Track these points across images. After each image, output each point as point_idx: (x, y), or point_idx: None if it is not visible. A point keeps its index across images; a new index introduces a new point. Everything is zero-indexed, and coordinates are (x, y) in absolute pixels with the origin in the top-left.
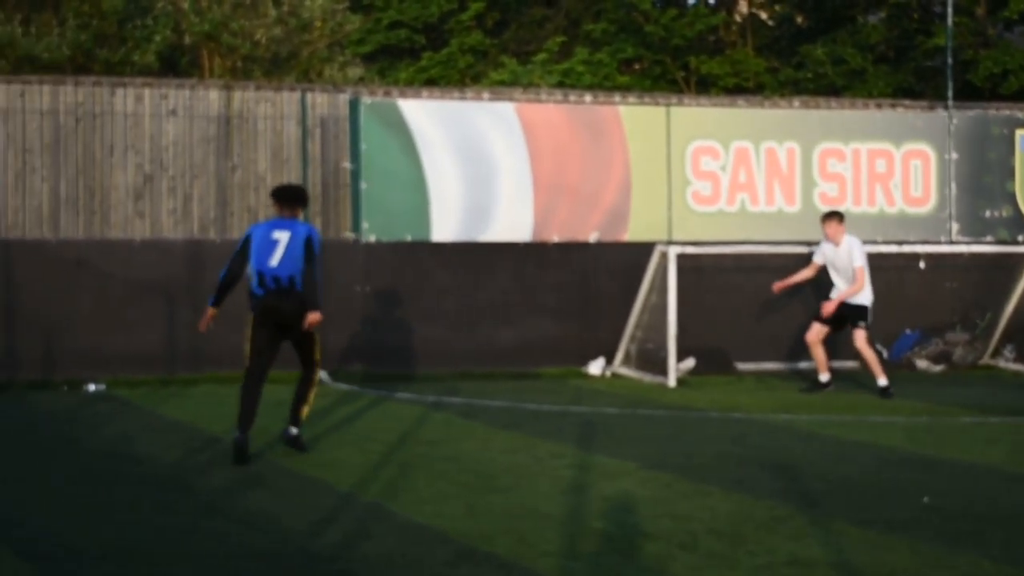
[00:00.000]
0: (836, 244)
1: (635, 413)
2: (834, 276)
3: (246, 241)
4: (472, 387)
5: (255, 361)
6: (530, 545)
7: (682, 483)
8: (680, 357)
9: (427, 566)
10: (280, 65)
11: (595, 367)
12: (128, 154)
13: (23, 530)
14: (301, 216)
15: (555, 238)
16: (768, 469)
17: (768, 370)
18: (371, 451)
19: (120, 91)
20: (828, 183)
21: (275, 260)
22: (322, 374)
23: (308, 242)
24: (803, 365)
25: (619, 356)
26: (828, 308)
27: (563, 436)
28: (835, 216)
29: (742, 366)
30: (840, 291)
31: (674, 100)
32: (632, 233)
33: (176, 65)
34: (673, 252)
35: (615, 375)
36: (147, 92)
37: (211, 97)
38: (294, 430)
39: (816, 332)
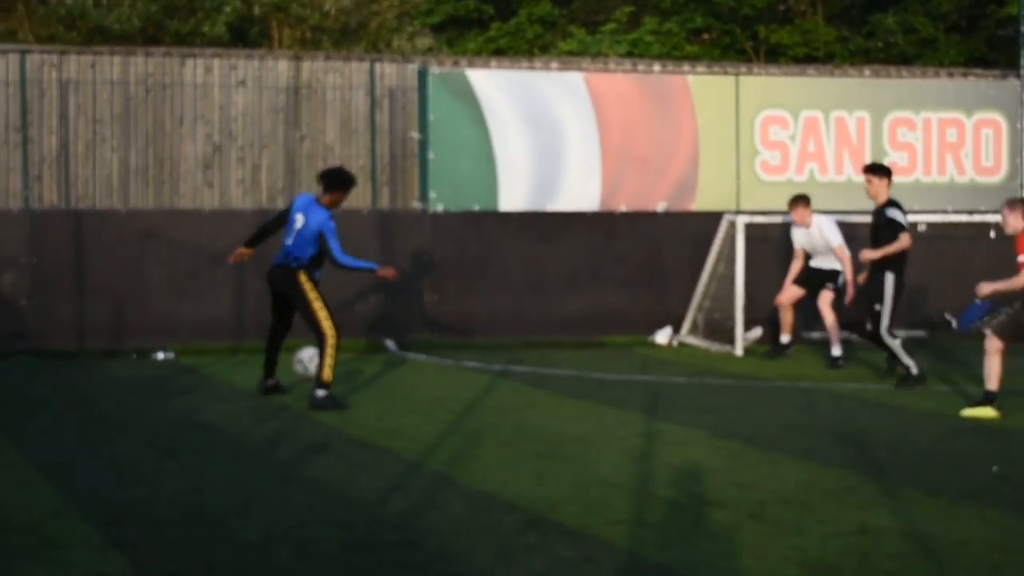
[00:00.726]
0: (807, 227)
1: (702, 382)
2: (815, 259)
3: (288, 209)
4: (539, 356)
5: (271, 322)
6: (598, 513)
7: (750, 452)
8: (747, 327)
9: (495, 534)
10: (349, 35)
11: (662, 336)
12: (197, 124)
13: (93, 496)
14: (343, 198)
15: (623, 208)
16: (836, 438)
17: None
18: (438, 419)
19: (190, 62)
20: (898, 152)
21: (290, 239)
22: (389, 343)
23: (320, 233)
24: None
25: (686, 325)
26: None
27: (630, 404)
28: (799, 200)
29: (809, 335)
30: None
31: (743, 69)
32: (700, 203)
33: (245, 36)
34: (741, 222)
35: (682, 344)
36: (216, 63)
37: (280, 68)
38: (318, 392)
39: (789, 294)
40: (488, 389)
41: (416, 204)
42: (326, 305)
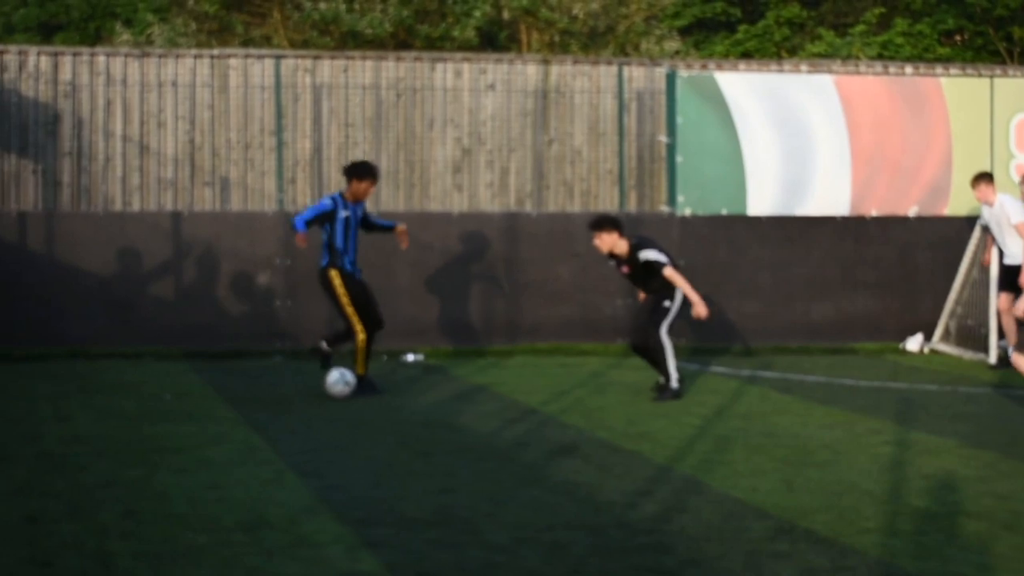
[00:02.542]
0: (990, 205)
1: (955, 390)
2: (999, 238)
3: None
4: (787, 361)
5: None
6: (849, 522)
7: (1005, 462)
8: (1001, 334)
9: (745, 540)
10: (597, 39)
11: (913, 343)
12: (447, 128)
13: (345, 495)
14: (360, 188)
15: (873, 212)
16: None
17: None
18: (687, 424)
19: (440, 66)
20: None
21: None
22: None
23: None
24: None
25: (938, 332)
26: None
27: (881, 412)
28: (982, 178)
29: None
30: (1009, 252)
31: (997, 71)
32: (952, 207)
33: (495, 40)
34: None
35: (933, 351)
36: (466, 67)
37: (529, 71)
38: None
39: (1005, 300)
40: (736, 394)
41: (664, 208)
42: (352, 302)
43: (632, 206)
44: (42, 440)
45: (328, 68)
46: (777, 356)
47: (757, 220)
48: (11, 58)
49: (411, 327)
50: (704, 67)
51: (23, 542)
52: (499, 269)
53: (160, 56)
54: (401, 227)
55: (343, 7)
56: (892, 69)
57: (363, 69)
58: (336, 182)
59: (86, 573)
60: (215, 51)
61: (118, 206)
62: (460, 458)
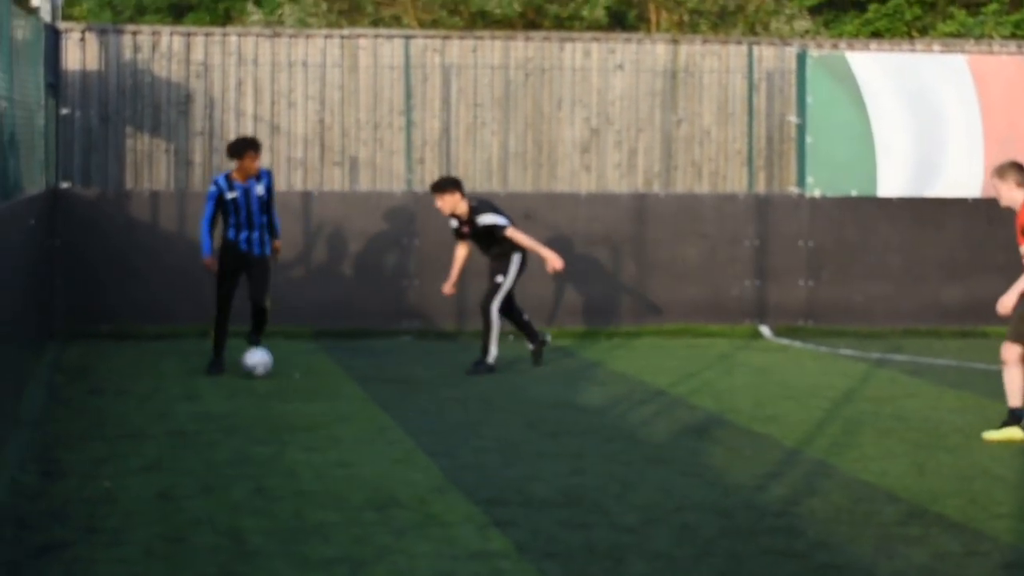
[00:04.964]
0: None
1: None
2: None
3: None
4: (917, 344)
5: None
6: (982, 507)
7: None
8: None
9: (875, 524)
10: (726, 19)
11: None
12: (575, 108)
13: (474, 475)
14: (242, 164)
15: None
16: None
17: None
18: (815, 407)
19: (568, 46)
20: None
21: None
22: (763, 328)
23: None
24: None
25: None
26: None
27: None
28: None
29: None
30: None
31: None
32: None
33: (624, 20)
34: None
35: None
36: (595, 47)
37: (658, 51)
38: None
39: None
40: (865, 377)
41: (793, 189)
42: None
43: (761, 187)
44: (173, 418)
45: (457, 48)
46: (907, 339)
47: (887, 201)
48: (144, 39)
49: (538, 308)
50: (835, 47)
51: (156, 518)
52: (627, 249)
53: (291, 36)
54: (276, 243)
55: None
56: None
57: (492, 49)
58: (464, 162)
59: (219, 549)
60: (345, 31)
61: None
62: (588, 439)
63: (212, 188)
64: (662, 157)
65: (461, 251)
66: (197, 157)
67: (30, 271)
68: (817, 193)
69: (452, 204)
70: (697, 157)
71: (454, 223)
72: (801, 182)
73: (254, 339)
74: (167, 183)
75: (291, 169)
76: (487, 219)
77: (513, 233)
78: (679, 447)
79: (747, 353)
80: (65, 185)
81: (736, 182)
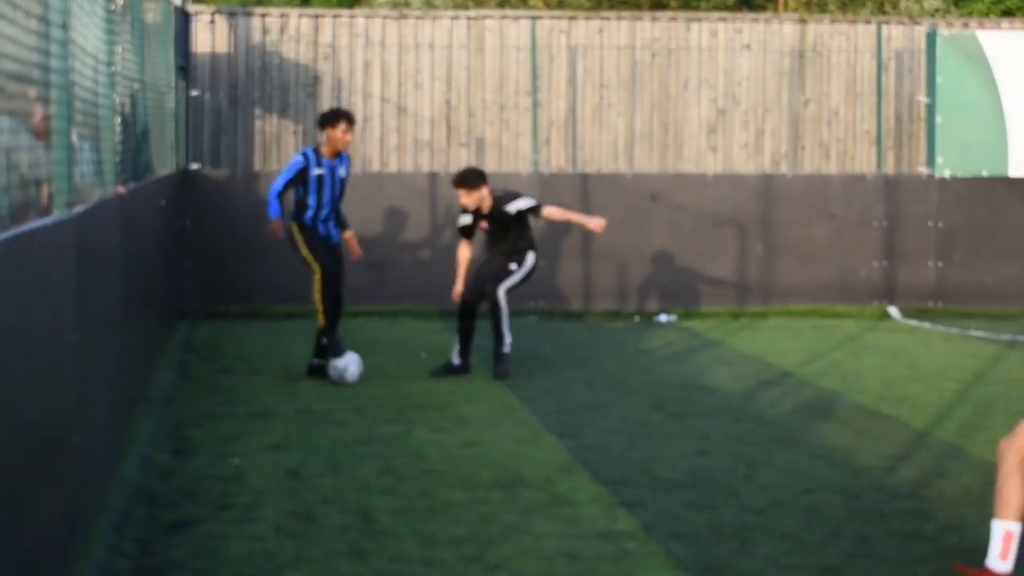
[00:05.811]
0: None
1: None
2: None
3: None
4: None
5: None
6: None
7: None
8: None
9: None
10: None
11: None
12: (702, 89)
13: (601, 455)
14: (334, 137)
15: None
16: None
17: None
18: (945, 389)
19: (695, 26)
20: None
21: None
22: (893, 310)
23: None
24: None
25: None
26: None
27: None
28: None
29: None
30: None
31: None
32: None
33: (751, 0)
34: None
35: None
36: (721, 27)
37: (785, 31)
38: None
39: None
40: (996, 359)
41: (923, 169)
42: (309, 250)
43: (890, 167)
44: (302, 397)
45: (583, 29)
46: None
47: (1019, 182)
48: (273, 21)
49: (663, 288)
50: (965, 25)
51: (287, 496)
52: (753, 230)
53: (417, 18)
54: (348, 233)
55: None
56: None
57: (618, 30)
58: (590, 143)
59: (347, 527)
60: (472, 12)
61: (376, 166)
62: (714, 420)
63: (298, 158)
64: (789, 137)
65: (466, 252)
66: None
67: (161, 251)
68: (947, 173)
69: (480, 198)
70: (825, 137)
71: (466, 219)
72: (931, 162)
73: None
74: None
75: (418, 150)
76: (519, 204)
77: (551, 210)
78: (806, 428)
79: (875, 334)
80: (195, 166)
81: (864, 162)
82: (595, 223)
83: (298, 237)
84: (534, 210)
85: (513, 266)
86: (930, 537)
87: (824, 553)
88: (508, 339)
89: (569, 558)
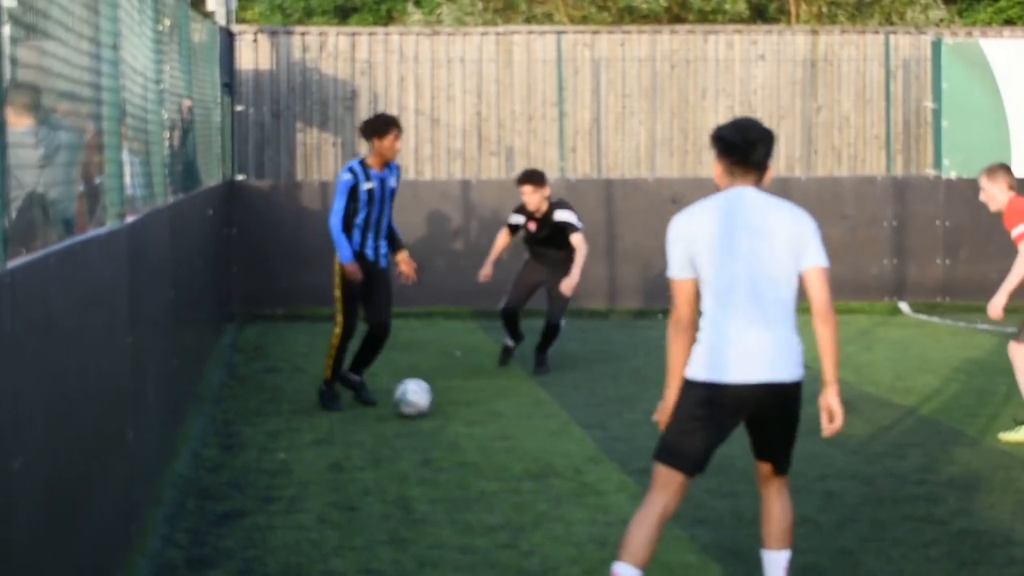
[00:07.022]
0: None
1: None
2: None
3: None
4: None
5: None
6: None
7: None
8: None
9: (1013, 490)
10: (863, 9)
11: None
12: (719, 97)
13: (627, 446)
14: (381, 148)
15: None
16: None
17: None
18: (953, 380)
19: (712, 38)
20: None
21: None
22: (902, 305)
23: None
24: None
25: None
26: None
27: None
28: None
29: None
30: None
31: None
32: None
33: (764, 12)
34: None
35: None
36: (737, 39)
37: (798, 42)
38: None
39: None
40: (1001, 351)
41: (930, 171)
42: (345, 293)
43: (899, 170)
44: (343, 393)
45: (606, 42)
46: None
47: (1021, 182)
48: (312, 39)
49: None
50: (969, 34)
51: (330, 488)
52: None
53: (449, 34)
54: (402, 255)
55: None
56: None
57: (639, 43)
58: (613, 150)
59: (388, 517)
60: (500, 28)
61: (411, 175)
62: None
63: (346, 176)
64: (803, 142)
65: (503, 240)
66: (363, 149)
67: (209, 258)
68: (953, 175)
69: (541, 199)
70: (837, 142)
71: (518, 219)
72: (938, 164)
73: (358, 373)
74: (335, 174)
75: (450, 160)
76: (564, 215)
77: (579, 241)
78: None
79: (886, 329)
80: (240, 177)
81: (874, 165)
82: (570, 283)
83: (337, 274)
84: (572, 228)
85: (569, 293)
86: (941, 520)
87: (840, 537)
88: (553, 347)
89: (598, 544)
